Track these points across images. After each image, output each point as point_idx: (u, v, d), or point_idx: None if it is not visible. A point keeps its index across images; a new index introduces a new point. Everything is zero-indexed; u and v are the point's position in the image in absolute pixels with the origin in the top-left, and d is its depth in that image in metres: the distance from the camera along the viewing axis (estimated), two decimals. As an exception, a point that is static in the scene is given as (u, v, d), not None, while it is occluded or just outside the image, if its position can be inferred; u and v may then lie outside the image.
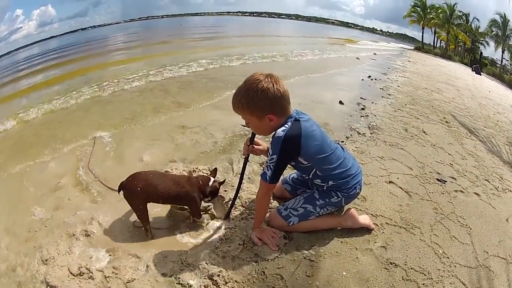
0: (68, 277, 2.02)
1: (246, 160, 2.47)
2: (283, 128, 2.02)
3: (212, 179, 2.45)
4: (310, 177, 2.27)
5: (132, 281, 1.97)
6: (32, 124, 5.38)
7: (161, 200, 2.38)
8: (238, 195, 2.57)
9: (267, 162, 2.07)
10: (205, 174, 2.59)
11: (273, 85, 1.97)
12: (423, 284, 2.03)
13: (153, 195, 2.27)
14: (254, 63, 10.83)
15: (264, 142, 2.44)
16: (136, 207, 2.29)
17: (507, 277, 2.24)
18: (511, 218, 2.95)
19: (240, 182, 2.51)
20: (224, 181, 2.58)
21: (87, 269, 2.06)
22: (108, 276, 2.01)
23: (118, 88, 7.23)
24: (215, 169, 2.64)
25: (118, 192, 2.29)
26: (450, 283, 2.07)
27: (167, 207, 2.61)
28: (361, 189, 2.38)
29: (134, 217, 2.43)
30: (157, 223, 2.47)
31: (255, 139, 2.36)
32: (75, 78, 9.49)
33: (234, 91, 2.09)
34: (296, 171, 2.61)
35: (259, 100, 1.97)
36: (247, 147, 2.37)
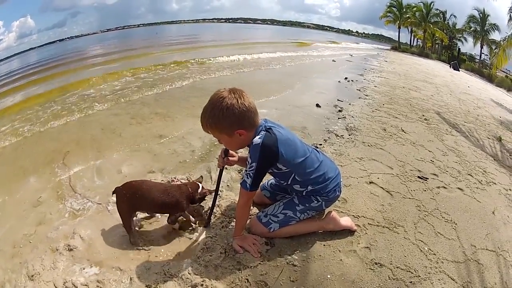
0: (54, 292, 1.99)
1: (221, 172, 2.46)
2: (259, 136, 2.01)
3: (201, 185, 2.44)
4: (289, 183, 2.25)
5: (117, 293, 1.94)
6: (11, 140, 5.23)
7: (149, 210, 2.43)
8: (217, 203, 2.57)
9: (246, 170, 2.06)
10: (193, 181, 2.57)
11: (237, 100, 1.95)
12: (411, 282, 2.04)
13: (141, 205, 2.30)
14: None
15: (238, 153, 2.44)
16: (121, 213, 2.30)
17: (497, 269, 2.27)
18: (497, 211, 3.00)
19: (216, 192, 2.50)
20: (214, 190, 2.54)
21: (72, 283, 2.02)
22: (93, 290, 1.97)
23: (93, 99, 7.07)
24: (201, 177, 2.66)
25: (112, 195, 2.34)
26: (439, 279, 2.09)
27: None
28: (341, 192, 2.38)
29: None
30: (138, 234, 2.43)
31: (229, 151, 2.35)
32: (52, 92, 9.26)
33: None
34: None
35: (226, 118, 1.95)
36: (221, 159, 2.35)
